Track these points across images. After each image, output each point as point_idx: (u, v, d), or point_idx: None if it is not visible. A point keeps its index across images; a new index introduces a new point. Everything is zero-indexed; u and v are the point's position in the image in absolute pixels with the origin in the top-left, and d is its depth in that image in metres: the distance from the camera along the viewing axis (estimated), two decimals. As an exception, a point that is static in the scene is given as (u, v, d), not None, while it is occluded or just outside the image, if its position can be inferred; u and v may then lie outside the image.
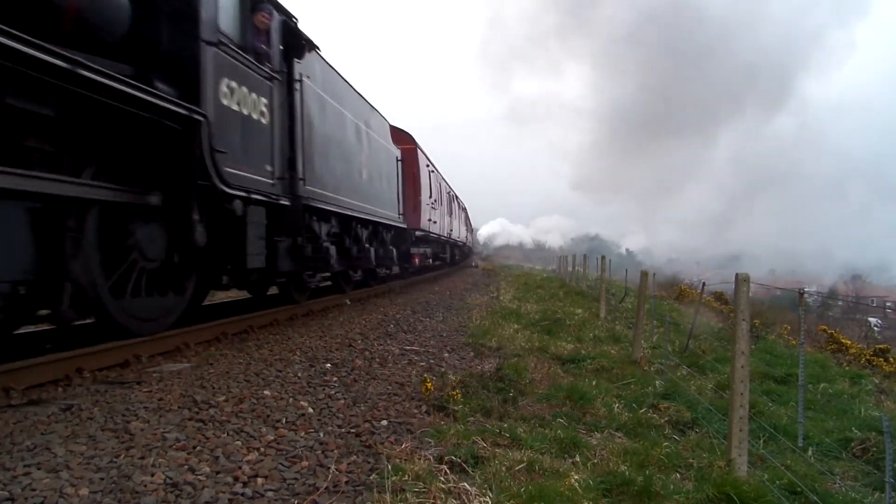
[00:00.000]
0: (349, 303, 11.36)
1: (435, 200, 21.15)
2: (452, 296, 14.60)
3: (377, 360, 6.26)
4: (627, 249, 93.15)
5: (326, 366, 5.75)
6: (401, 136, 17.09)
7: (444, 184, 25.22)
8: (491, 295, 15.41)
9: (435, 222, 20.98)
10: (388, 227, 14.10)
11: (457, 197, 31.86)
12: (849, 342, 12.54)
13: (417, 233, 17.57)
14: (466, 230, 40.72)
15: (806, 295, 5.04)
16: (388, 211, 13.64)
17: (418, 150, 18.39)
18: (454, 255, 33.14)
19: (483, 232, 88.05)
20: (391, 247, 14.26)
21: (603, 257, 14.57)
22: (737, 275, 4.12)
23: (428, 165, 20.07)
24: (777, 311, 17.50)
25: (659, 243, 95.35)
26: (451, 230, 27.40)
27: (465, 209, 38.90)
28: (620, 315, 11.45)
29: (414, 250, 17.88)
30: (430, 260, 23.02)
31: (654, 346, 8.32)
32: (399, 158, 15.45)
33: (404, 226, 15.51)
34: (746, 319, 4.02)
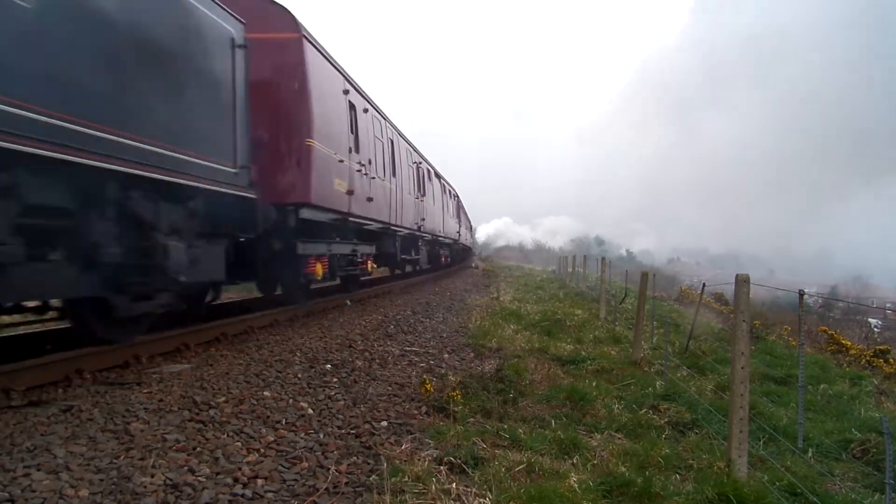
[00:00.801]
0: (349, 303, 11.36)
1: (369, 162, 11.38)
2: (453, 297, 14.60)
3: (377, 360, 6.27)
4: (628, 250, 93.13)
5: (326, 367, 5.76)
6: (261, 12, 8.09)
7: (403, 144, 15.21)
8: (491, 296, 15.41)
9: (371, 200, 11.47)
10: (176, 194, 5.83)
11: (439, 175, 22.45)
12: (849, 343, 12.53)
13: (305, 212, 8.58)
14: (458, 223, 29.36)
15: (806, 296, 5.03)
16: (177, 152, 5.64)
17: (308, 48, 8.66)
18: (437, 258, 23.18)
19: (483, 231, 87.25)
20: (182, 244, 5.81)
21: (603, 258, 14.58)
22: (737, 275, 4.12)
23: (347, 92, 10.41)
24: (784, 312, 17.47)
25: (666, 244, 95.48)
26: (424, 219, 17.56)
27: (456, 196, 29.09)
28: (620, 316, 11.45)
29: (308, 250, 8.94)
30: (367, 265, 12.47)
31: (655, 346, 8.31)
32: (239, 45, 6.89)
33: (250, 194, 7.09)
34: (747, 320, 4.02)
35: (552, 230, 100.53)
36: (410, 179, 16.19)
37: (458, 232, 29.43)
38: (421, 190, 17.69)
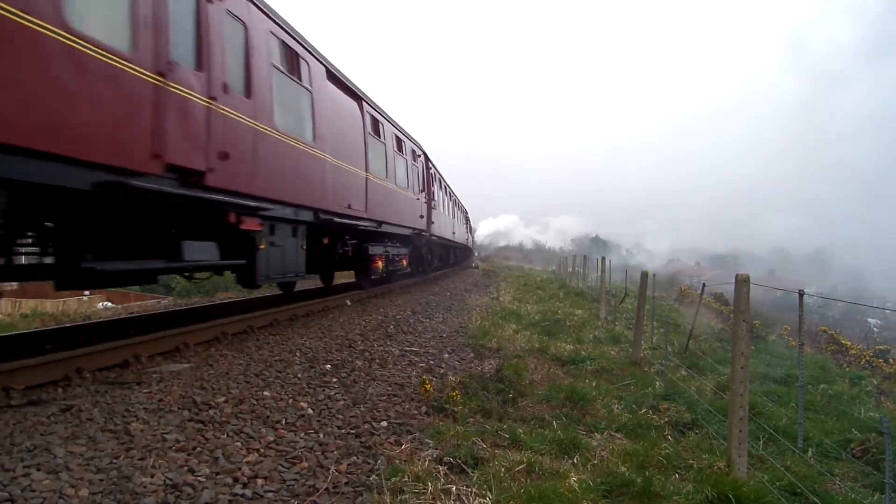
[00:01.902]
0: (349, 303, 11.36)
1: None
2: (453, 297, 14.59)
3: (377, 361, 6.26)
4: (627, 250, 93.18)
5: (326, 367, 5.76)
6: None
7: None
8: (491, 296, 15.41)
9: None
10: None
11: (390, 122, 13.41)
12: (849, 343, 12.55)
13: None
14: (423, 200, 17.02)
15: (806, 296, 5.05)
16: None
17: None
18: (366, 261, 12.02)
19: (490, 226, 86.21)
20: None
21: (603, 258, 14.58)
22: (737, 275, 4.12)
23: None
24: (784, 312, 17.46)
25: (676, 244, 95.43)
26: (290, 175, 7.69)
27: (422, 155, 17.48)
28: (620, 316, 11.45)
29: None
30: None
31: (654, 346, 8.32)
32: None
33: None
34: (747, 320, 4.02)
35: (561, 230, 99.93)
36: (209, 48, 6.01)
37: (424, 217, 17.04)
38: (251, 88, 6.86)
